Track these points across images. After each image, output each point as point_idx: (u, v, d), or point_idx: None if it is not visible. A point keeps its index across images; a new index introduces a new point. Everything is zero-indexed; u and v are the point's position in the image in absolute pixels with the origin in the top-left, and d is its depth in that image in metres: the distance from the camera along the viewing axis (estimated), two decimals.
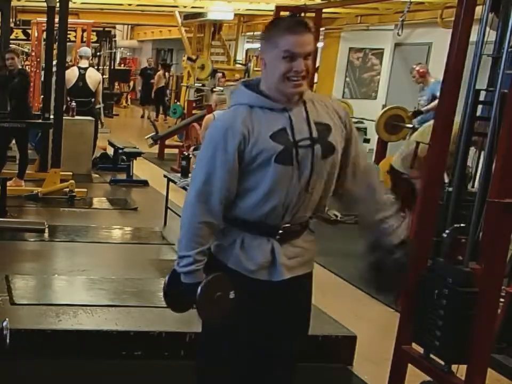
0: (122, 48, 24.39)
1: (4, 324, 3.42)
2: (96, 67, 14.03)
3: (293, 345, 2.50)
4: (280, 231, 2.32)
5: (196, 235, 2.29)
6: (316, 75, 10.71)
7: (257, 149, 2.22)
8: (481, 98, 3.07)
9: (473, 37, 2.87)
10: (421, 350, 2.90)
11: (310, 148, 2.26)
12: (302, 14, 8.44)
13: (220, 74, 12.49)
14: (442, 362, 2.79)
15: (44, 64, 8.96)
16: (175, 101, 16.23)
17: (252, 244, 2.33)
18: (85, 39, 13.20)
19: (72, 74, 9.29)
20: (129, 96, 21.83)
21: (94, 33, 15.99)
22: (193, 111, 12.28)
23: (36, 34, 13.31)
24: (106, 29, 18.54)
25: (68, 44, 8.28)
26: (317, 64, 10.01)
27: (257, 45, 14.38)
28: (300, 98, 2.29)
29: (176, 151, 10.72)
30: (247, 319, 2.35)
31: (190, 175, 6.10)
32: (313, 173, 2.28)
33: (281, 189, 2.26)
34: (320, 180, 2.31)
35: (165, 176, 6.81)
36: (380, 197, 2.44)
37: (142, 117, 18.04)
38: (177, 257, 2.34)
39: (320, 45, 10.04)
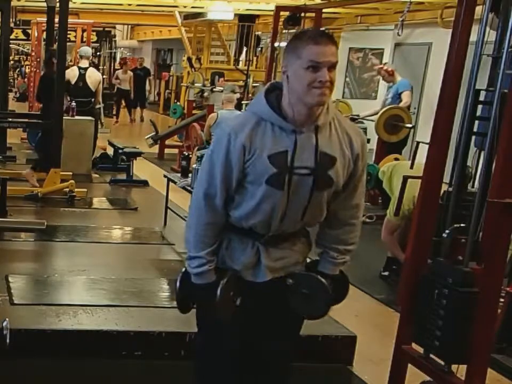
0: (122, 48, 24.37)
1: (4, 323, 3.42)
2: (95, 66, 14.01)
3: (280, 345, 2.51)
4: (266, 238, 2.35)
5: (204, 236, 2.31)
6: None
7: (253, 166, 2.23)
8: (481, 98, 3.07)
9: (473, 37, 2.87)
10: (421, 350, 2.90)
11: (307, 177, 2.24)
12: (302, 14, 8.45)
13: (221, 79, 12.53)
14: (442, 362, 2.79)
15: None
16: (175, 101, 16.22)
17: (237, 246, 2.36)
18: (85, 39, 13.21)
19: (72, 74, 9.29)
20: None
21: (94, 33, 16.02)
22: (193, 111, 12.29)
23: (36, 34, 13.32)
24: (106, 29, 18.54)
25: (68, 43, 8.28)
26: None
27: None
28: (316, 120, 2.23)
29: (176, 151, 10.72)
30: (238, 317, 2.37)
31: (190, 175, 6.11)
32: (309, 204, 2.28)
33: (268, 208, 2.27)
34: (311, 211, 2.32)
35: (165, 176, 6.81)
36: (349, 234, 2.41)
37: (131, 121, 17.04)
38: (187, 258, 2.36)
39: None
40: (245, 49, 14.56)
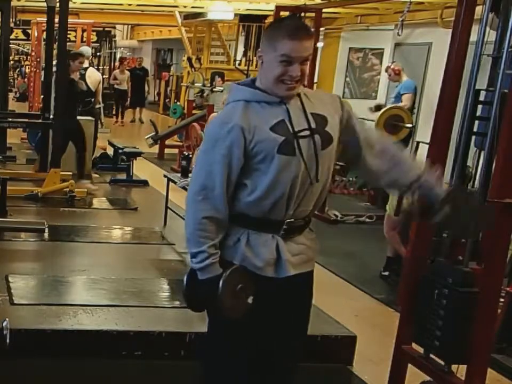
0: (122, 48, 24.38)
1: (4, 323, 3.42)
2: (96, 67, 14.02)
3: (295, 343, 2.51)
4: (284, 227, 2.33)
5: (202, 230, 2.29)
6: (315, 75, 10.69)
7: (259, 142, 2.23)
8: (481, 98, 3.07)
9: (473, 37, 2.87)
10: (421, 350, 2.90)
11: (311, 138, 2.28)
12: (302, 14, 8.44)
13: (219, 79, 12.52)
14: (442, 362, 2.79)
15: (43, 64, 8.95)
16: (175, 101, 16.22)
17: (258, 241, 2.33)
18: (85, 39, 13.20)
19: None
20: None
21: (94, 33, 16.00)
22: (193, 111, 12.29)
23: (36, 34, 13.32)
24: (106, 29, 18.53)
25: (68, 43, 8.28)
26: (317, 65, 9.99)
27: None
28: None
29: (176, 151, 10.73)
30: (252, 316, 2.33)
31: (190, 175, 6.11)
32: (319, 163, 2.30)
33: (284, 180, 2.26)
34: (322, 170, 2.32)
35: (165, 176, 6.81)
36: (405, 159, 2.44)
37: (132, 121, 17.06)
38: (190, 255, 2.34)
39: (320, 45, 10.02)
40: (243, 49, 14.59)
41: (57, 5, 7.51)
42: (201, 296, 2.38)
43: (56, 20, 7.57)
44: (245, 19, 14.16)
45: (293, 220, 2.34)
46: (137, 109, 17.19)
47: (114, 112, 16.81)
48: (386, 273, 5.34)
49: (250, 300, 2.30)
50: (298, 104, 2.31)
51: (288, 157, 2.25)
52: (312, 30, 2.32)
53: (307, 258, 2.43)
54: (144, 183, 8.45)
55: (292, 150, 2.25)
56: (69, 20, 7.65)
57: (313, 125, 2.30)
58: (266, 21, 13.62)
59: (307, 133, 2.28)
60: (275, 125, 2.25)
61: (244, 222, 2.34)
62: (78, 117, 8.69)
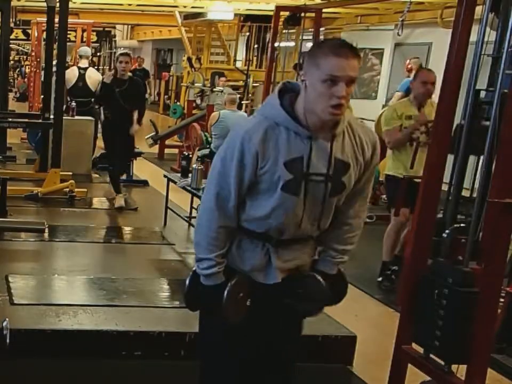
0: (122, 48, 24.36)
1: (4, 323, 3.42)
2: (96, 67, 14.01)
3: (287, 347, 2.51)
4: (277, 241, 2.33)
5: (215, 239, 2.29)
6: None
7: (267, 172, 2.19)
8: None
9: (473, 37, 2.87)
10: (421, 350, 2.90)
11: (323, 184, 2.21)
12: (302, 14, 8.44)
13: (221, 78, 12.52)
14: (442, 362, 2.79)
15: (43, 64, 8.95)
16: (175, 101, 16.21)
17: (248, 246, 2.34)
18: (85, 39, 13.20)
19: (72, 74, 9.29)
20: None
21: (94, 33, 16.00)
22: (193, 111, 12.29)
23: (36, 34, 13.31)
24: (106, 29, 18.55)
25: (68, 43, 8.28)
26: None
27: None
28: (334, 128, 2.20)
29: (176, 151, 10.72)
30: (249, 319, 2.35)
31: (189, 175, 6.11)
32: (323, 209, 2.26)
33: (282, 215, 2.24)
34: (326, 213, 2.30)
35: (165, 176, 6.82)
36: (348, 234, 2.40)
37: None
38: (196, 259, 2.35)
39: None
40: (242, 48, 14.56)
41: (57, 5, 7.51)
42: (203, 301, 2.39)
43: (56, 20, 7.57)
44: (254, 19, 14.09)
45: (289, 238, 2.33)
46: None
47: None
48: (380, 278, 5.28)
49: (248, 303, 2.34)
50: (327, 145, 2.19)
51: (290, 195, 2.21)
52: (359, 54, 2.17)
53: (301, 263, 2.41)
54: (144, 183, 8.45)
55: (296, 190, 2.20)
56: (69, 20, 7.65)
57: (331, 171, 2.21)
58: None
59: (320, 178, 2.21)
60: (291, 160, 2.18)
61: (240, 229, 2.34)
62: (78, 117, 8.72)
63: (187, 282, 2.43)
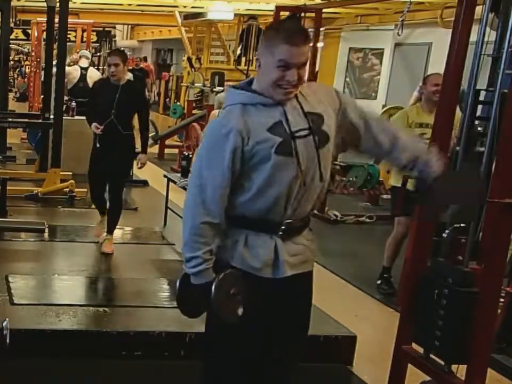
0: (122, 48, 24.37)
1: (4, 323, 3.42)
2: (96, 67, 14.00)
3: (294, 344, 2.50)
4: (283, 227, 2.33)
5: (199, 235, 2.28)
6: (316, 75, 10.70)
7: (256, 144, 2.23)
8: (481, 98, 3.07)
9: (473, 37, 2.87)
10: (421, 350, 2.90)
11: (309, 138, 2.29)
12: (302, 14, 8.44)
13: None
14: (442, 362, 2.79)
15: (43, 64, 8.96)
16: (175, 101, 16.20)
17: (256, 242, 2.33)
18: (85, 39, 13.20)
19: (75, 73, 9.32)
20: None
21: (94, 33, 15.99)
22: (193, 111, 12.28)
23: (36, 34, 13.31)
24: (106, 29, 18.52)
25: (68, 43, 8.28)
26: (317, 67, 9.99)
27: None
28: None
29: (176, 151, 10.73)
30: (250, 317, 2.33)
31: (190, 175, 6.10)
32: (321, 162, 2.30)
33: (281, 180, 2.26)
34: (324, 169, 2.33)
35: (165, 176, 6.82)
36: (403, 138, 2.46)
37: None
38: (184, 259, 2.34)
39: (320, 45, 10.02)
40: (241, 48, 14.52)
41: (57, 5, 7.51)
42: (194, 301, 2.38)
43: (56, 20, 7.58)
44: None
45: (291, 220, 2.34)
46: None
47: None
48: (379, 281, 5.27)
49: (242, 304, 2.30)
50: (295, 104, 2.31)
51: (285, 157, 2.25)
52: (312, 30, 2.27)
53: (306, 259, 2.43)
54: (144, 183, 8.45)
55: (289, 151, 2.25)
56: (69, 20, 7.66)
57: (311, 125, 2.30)
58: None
59: (305, 132, 2.29)
60: (272, 126, 2.26)
61: (243, 224, 2.34)
62: (78, 117, 8.72)
63: (177, 285, 2.42)
